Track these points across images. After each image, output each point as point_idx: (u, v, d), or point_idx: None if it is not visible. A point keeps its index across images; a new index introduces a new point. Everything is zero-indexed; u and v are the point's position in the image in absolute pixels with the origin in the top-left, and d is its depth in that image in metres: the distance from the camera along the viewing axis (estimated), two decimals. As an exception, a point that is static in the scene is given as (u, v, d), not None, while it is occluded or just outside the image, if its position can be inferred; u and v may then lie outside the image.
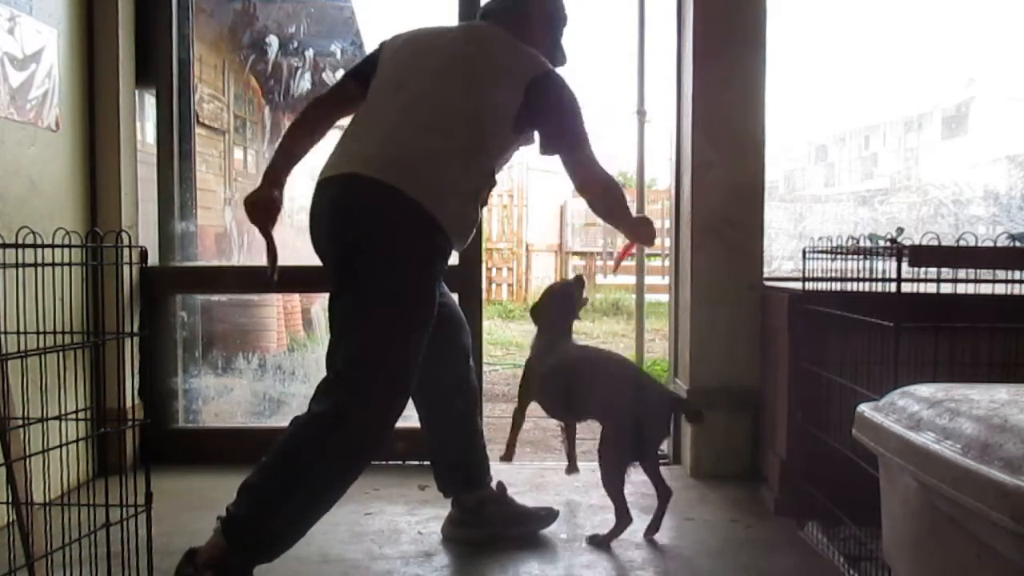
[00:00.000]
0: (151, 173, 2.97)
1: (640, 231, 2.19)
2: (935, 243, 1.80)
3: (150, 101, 3.04)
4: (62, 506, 1.84)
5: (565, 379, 2.31)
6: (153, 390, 2.89)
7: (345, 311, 1.85)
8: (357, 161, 1.88)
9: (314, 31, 3.64)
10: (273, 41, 3.62)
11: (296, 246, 2.48)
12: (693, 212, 2.78)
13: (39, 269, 1.65)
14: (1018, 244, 2.03)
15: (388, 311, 1.83)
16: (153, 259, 2.89)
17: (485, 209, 2.29)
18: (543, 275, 10.40)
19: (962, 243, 1.81)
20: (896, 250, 1.78)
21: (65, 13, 2.57)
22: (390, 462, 2.86)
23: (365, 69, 2.06)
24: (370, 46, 2.20)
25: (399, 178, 1.83)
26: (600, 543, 2.17)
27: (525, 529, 2.24)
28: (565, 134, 2.06)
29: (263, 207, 1.95)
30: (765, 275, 2.81)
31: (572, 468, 2.58)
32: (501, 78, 1.99)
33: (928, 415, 1.17)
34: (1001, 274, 2.00)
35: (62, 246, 1.62)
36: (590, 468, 2.50)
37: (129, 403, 2.74)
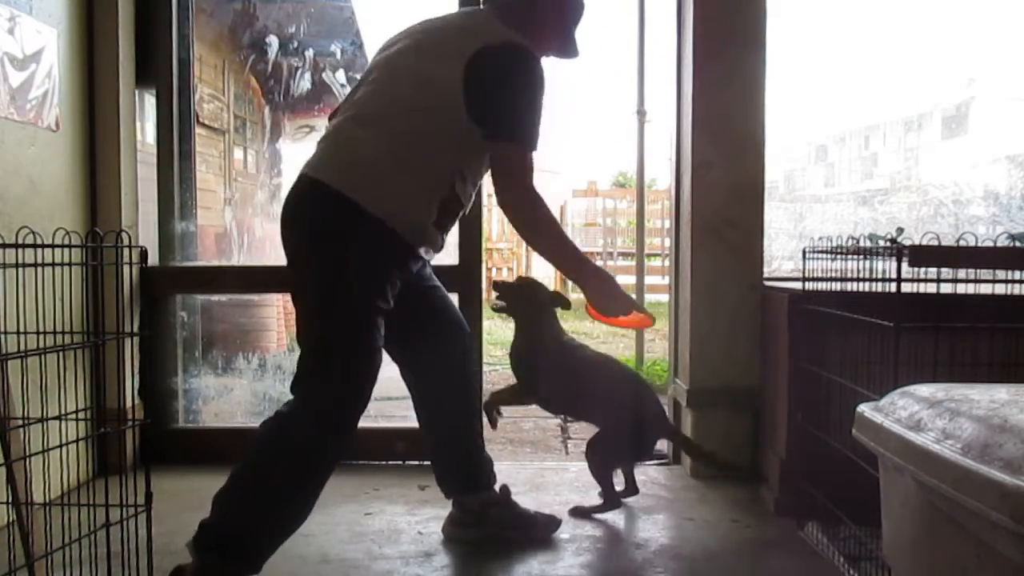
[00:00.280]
0: (151, 173, 2.97)
1: (601, 295, 1.98)
2: (935, 243, 1.80)
3: (150, 101, 3.04)
4: (62, 506, 1.84)
5: (564, 374, 2.32)
6: (153, 390, 2.89)
7: (297, 313, 1.87)
8: (307, 163, 1.89)
9: (314, 31, 3.64)
10: (273, 41, 3.62)
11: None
12: (693, 212, 2.77)
13: (39, 269, 1.65)
14: (1018, 244, 2.03)
15: (328, 312, 1.80)
16: (153, 259, 2.89)
17: (485, 209, 2.26)
18: (543, 275, 10.38)
19: (962, 243, 1.81)
20: (896, 250, 1.78)
21: (65, 13, 2.57)
22: (390, 462, 2.86)
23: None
24: (370, 46, 2.20)
25: (336, 176, 1.81)
26: (582, 513, 2.34)
27: (527, 534, 2.22)
28: (502, 117, 1.83)
29: None
30: (765, 275, 2.81)
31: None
32: (444, 55, 1.85)
33: (928, 415, 1.17)
34: (1001, 274, 2.00)
35: (62, 246, 1.62)
36: (587, 468, 2.51)
37: (129, 403, 2.74)
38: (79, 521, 1.71)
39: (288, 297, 4.01)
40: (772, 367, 2.60)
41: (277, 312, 3.88)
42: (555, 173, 11.71)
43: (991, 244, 1.85)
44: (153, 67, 2.92)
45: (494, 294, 2.41)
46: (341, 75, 3.58)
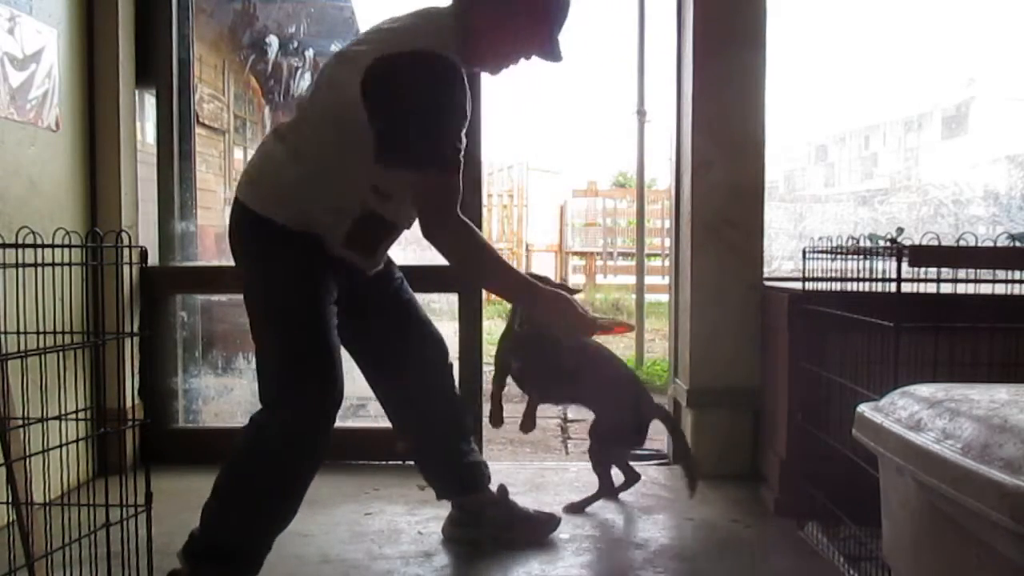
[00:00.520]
0: (151, 173, 2.97)
1: (563, 320, 1.85)
2: (935, 243, 1.80)
3: (150, 101, 3.04)
4: (62, 506, 1.84)
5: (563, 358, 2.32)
6: (153, 390, 2.89)
7: (252, 331, 1.86)
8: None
9: (314, 31, 3.64)
10: (273, 41, 3.62)
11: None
12: (693, 212, 2.78)
13: (39, 269, 1.65)
14: (1018, 244, 2.03)
15: (275, 323, 1.81)
16: (153, 259, 2.89)
17: (485, 209, 2.25)
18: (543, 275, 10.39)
19: (962, 243, 1.81)
20: (896, 250, 1.78)
21: (65, 13, 2.57)
22: (390, 462, 2.86)
23: None
24: (370, 46, 2.19)
25: (250, 195, 1.82)
26: (575, 508, 2.38)
27: (527, 534, 2.22)
28: (395, 142, 1.65)
29: None
30: (765, 275, 2.82)
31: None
32: (356, 62, 1.68)
33: (928, 415, 1.17)
34: (1001, 274, 2.00)
35: (62, 246, 1.63)
36: (587, 468, 2.51)
37: (129, 403, 2.74)
38: (79, 521, 1.71)
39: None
40: (772, 367, 2.60)
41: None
42: (555, 173, 11.71)
43: (991, 244, 1.85)
44: (153, 67, 2.92)
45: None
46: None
